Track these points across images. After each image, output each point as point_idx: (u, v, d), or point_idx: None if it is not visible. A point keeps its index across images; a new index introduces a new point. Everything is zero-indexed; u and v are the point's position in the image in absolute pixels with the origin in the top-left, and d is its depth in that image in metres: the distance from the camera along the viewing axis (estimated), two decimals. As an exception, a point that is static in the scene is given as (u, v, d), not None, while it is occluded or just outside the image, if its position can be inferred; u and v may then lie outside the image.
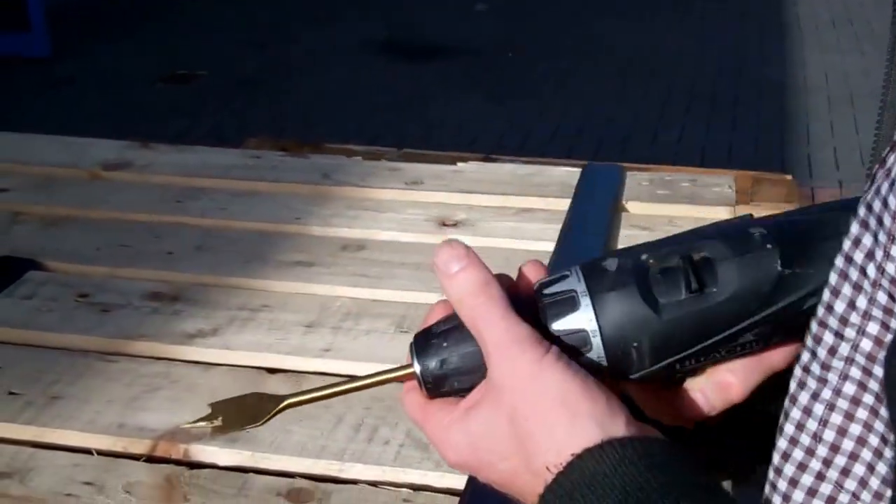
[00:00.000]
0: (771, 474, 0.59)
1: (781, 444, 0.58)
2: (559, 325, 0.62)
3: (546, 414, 0.59)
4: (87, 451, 1.08)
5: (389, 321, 1.28)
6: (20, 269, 1.41)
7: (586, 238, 1.45)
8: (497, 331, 0.61)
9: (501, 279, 0.65)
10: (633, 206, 1.58)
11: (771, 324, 0.62)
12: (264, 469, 1.05)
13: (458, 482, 1.01)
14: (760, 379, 0.66)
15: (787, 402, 0.59)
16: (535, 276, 0.67)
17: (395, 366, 0.68)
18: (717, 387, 0.66)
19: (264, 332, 1.26)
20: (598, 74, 6.01)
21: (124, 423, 1.11)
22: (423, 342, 0.66)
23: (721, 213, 1.54)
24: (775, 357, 0.65)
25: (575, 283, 0.63)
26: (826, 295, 0.56)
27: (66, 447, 1.09)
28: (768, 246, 0.62)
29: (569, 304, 0.62)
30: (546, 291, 0.64)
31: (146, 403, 1.14)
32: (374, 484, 1.03)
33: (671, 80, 5.86)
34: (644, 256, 0.63)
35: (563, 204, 1.57)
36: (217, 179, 1.69)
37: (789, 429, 0.58)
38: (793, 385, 0.58)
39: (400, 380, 0.67)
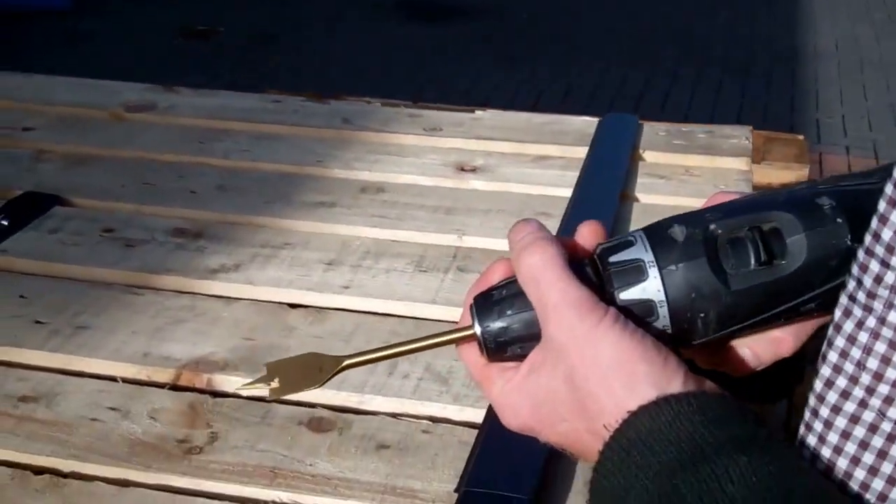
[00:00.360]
0: (812, 401, 0.59)
1: (825, 371, 0.58)
2: (626, 295, 0.61)
3: (604, 376, 0.58)
4: (113, 379, 1.08)
5: (408, 261, 1.28)
6: (46, 203, 1.41)
7: (604, 185, 1.44)
8: (554, 293, 0.61)
9: (561, 241, 0.64)
10: (649, 156, 1.57)
11: (834, 294, 0.60)
12: (285, 399, 1.05)
13: (477, 416, 1.01)
14: (811, 333, 0.65)
15: (830, 330, 0.58)
16: (593, 236, 0.66)
17: (454, 328, 0.67)
18: (769, 343, 0.65)
19: (286, 269, 1.26)
20: (612, 38, 5.97)
21: (149, 352, 1.11)
22: (485, 305, 0.65)
23: (738, 165, 1.53)
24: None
25: (641, 251, 0.62)
26: (874, 223, 0.55)
27: (92, 375, 1.09)
28: (838, 220, 0.61)
29: (636, 273, 0.61)
30: (612, 259, 0.63)
31: (170, 334, 1.14)
32: (393, 415, 1.03)
33: (683, 44, 5.82)
34: (712, 226, 0.62)
35: (580, 152, 1.56)
36: (239, 122, 1.69)
37: (833, 356, 0.57)
38: (837, 313, 0.58)
39: (460, 342, 0.67)
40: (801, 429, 0.59)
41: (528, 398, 0.63)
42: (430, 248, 1.31)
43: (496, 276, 0.66)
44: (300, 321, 1.17)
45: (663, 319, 0.61)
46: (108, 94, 1.79)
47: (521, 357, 0.64)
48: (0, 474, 0.95)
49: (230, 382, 1.07)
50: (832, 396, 0.57)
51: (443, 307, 1.18)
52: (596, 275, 0.63)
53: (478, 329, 0.64)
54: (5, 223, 1.34)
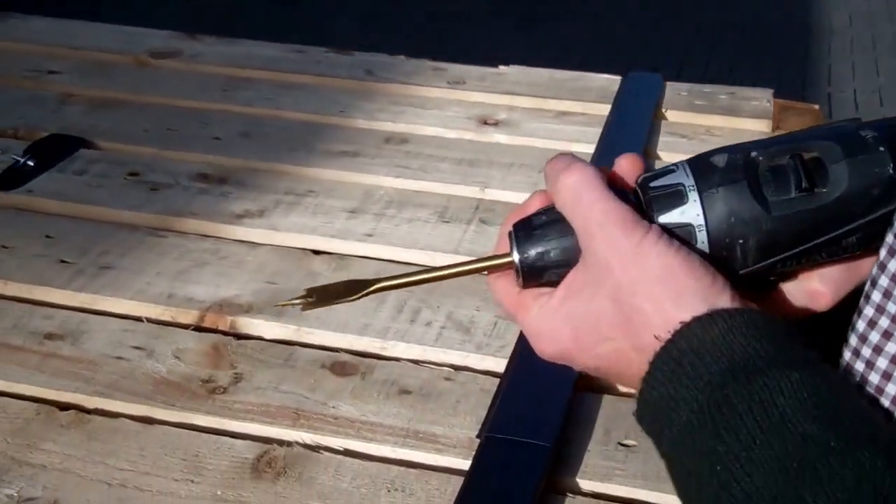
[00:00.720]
0: (853, 341, 0.57)
1: (868, 311, 0.57)
2: (665, 219, 0.60)
3: (652, 289, 0.57)
4: (137, 319, 1.07)
5: (431, 211, 1.27)
6: (72, 146, 1.39)
7: (626, 141, 1.43)
8: (596, 211, 0.59)
9: (601, 170, 0.63)
10: (671, 115, 1.56)
11: (876, 227, 0.59)
12: (309, 343, 1.05)
13: (498, 365, 1.00)
14: (850, 289, 0.64)
15: (874, 270, 0.57)
16: (632, 169, 0.65)
17: (490, 254, 0.66)
18: (807, 295, 0.64)
19: (309, 216, 1.25)
20: (628, 8, 5.93)
21: (173, 293, 1.10)
22: (524, 232, 0.64)
23: (759, 127, 1.51)
24: (866, 268, 0.62)
25: (682, 176, 0.61)
26: None
27: (117, 314, 1.08)
28: (881, 149, 0.60)
29: (676, 197, 0.60)
30: (652, 184, 0.61)
31: (194, 277, 1.13)
32: (415, 362, 1.02)
33: (699, 16, 5.78)
34: (754, 154, 0.61)
35: (602, 109, 1.54)
36: (262, 71, 1.67)
37: (876, 296, 0.56)
38: (882, 252, 0.57)
39: (496, 269, 0.66)
40: (842, 368, 0.58)
41: (569, 320, 0.61)
42: (453, 199, 1.30)
43: (534, 206, 0.65)
44: (323, 267, 1.16)
45: (702, 245, 0.60)
46: (133, 40, 1.77)
47: (555, 283, 0.63)
48: (26, 409, 0.94)
49: (254, 325, 1.06)
50: (874, 336, 0.56)
51: (465, 257, 1.16)
52: (637, 201, 0.62)
53: (516, 256, 0.63)
54: (31, 164, 1.33)
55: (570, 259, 0.62)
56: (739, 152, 0.61)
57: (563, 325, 0.61)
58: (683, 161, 0.63)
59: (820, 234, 0.60)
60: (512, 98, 1.59)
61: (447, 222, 1.24)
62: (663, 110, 1.56)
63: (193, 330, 1.06)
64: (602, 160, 1.35)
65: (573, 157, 0.64)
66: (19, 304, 1.09)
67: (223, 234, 1.22)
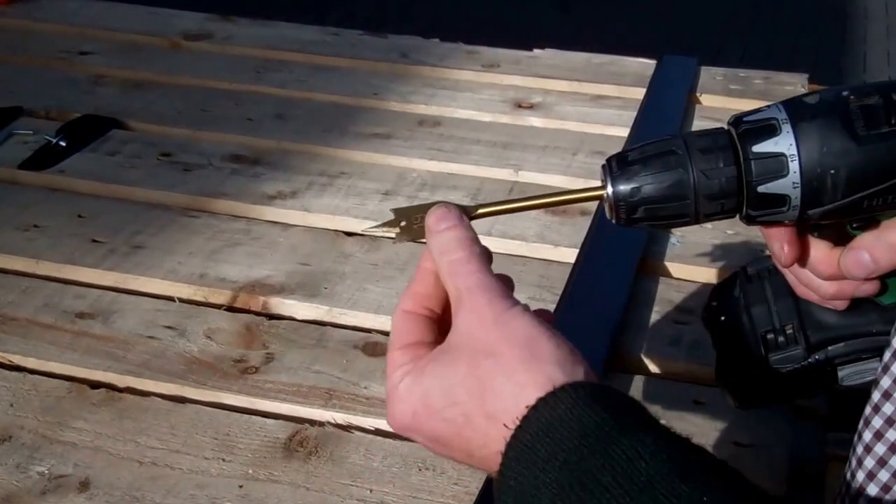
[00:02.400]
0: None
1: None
2: (759, 148, 0.61)
3: (508, 355, 0.55)
4: (169, 299, 1.07)
5: (464, 193, 1.26)
6: (104, 126, 1.39)
7: (661, 125, 1.41)
8: (471, 280, 0.59)
9: (500, 277, 0.62)
10: (706, 99, 1.54)
11: None
12: (341, 324, 1.04)
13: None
14: None
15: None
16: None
17: (587, 186, 0.66)
18: (886, 246, 0.65)
19: (342, 197, 1.24)
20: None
21: (205, 273, 1.10)
22: (618, 165, 0.64)
23: (796, 110, 1.49)
24: None
25: (776, 112, 0.62)
26: None
27: (148, 294, 1.08)
28: None
29: (769, 129, 0.62)
30: (746, 119, 0.63)
31: (227, 257, 1.13)
32: (448, 343, 1.01)
33: (735, 3, 5.74)
34: (845, 93, 0.62)
35: (637, 93, 1.53)
36: (296, 53, 1.66)
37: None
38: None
39: (590, 199, 0.66)
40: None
41: (423, 381, 0.59)
42: (487, 181, 1.29)
43: (422, 284, 0.64)
44: (356, 249, 1.15)
45: (794, 175, 0.61)
46: (166, 21, 1.77)
47: (653, 222, 0.64)
48: (57, 387, 0.94)
49: (286, 305, 1.06)
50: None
51: (498, 239, 1.16)
52: (729, 136, 0.63)
53: (609, 189, 0.63)
54: (63, 144, 1.33)
55: (665, 195, 0.63)
56: (831, 93, 0.63)
57: (415, 385, 0.59)
58: (775, 102, 0.64)
59: None
60: (546, 81, 1.58)
61: (481, 204, 1.23)
62: (698, 94, 1.55)
63: (225, 310, 1.05)
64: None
65: (456, 216, 0.63)
66: (51, 282, 1.09)
67: (255, 214, 1.22)
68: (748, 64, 1.76)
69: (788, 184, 0.61)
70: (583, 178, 1.29)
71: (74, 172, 1.29)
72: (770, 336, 0.77)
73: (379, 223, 0.66)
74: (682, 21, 5.39)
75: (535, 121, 1.46)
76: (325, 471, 0.85)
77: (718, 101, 1.54)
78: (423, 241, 0.64)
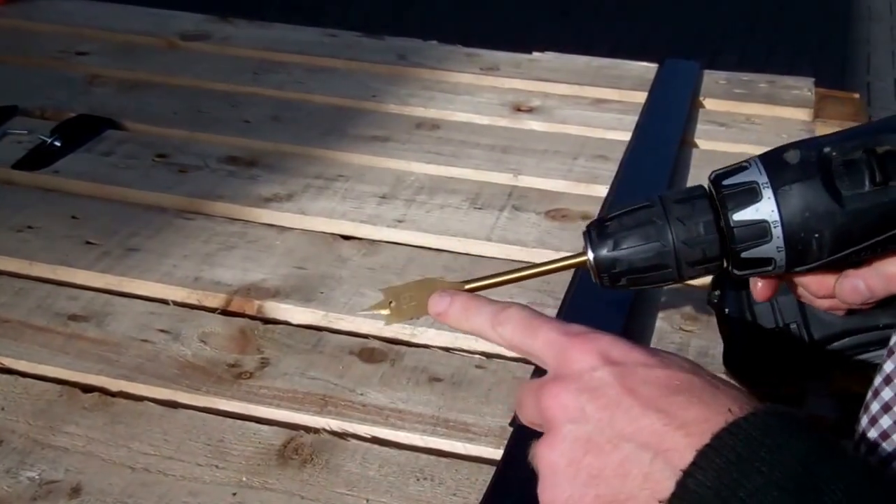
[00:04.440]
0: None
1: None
2: (739, 216, 0.61)
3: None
4: (163, 302, 1.06)
5: (463, 197, 1.25)
6: (100, 126, 1.39)
7: (664, 129, 1.41)
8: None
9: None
10: (709, 103, 1.54)
11: None
12: (338, 329, 1.03)
13: (531, 353, 0.99)
14: None
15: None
16: None
17: (569, 254, 0.68)
18: (881, 276, 0.65)
19: (339, 200, 1.24)
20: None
21: (200, 276, 1.09)
22: (598, 231, 0.65)
23: (799, 116, 1.49)
24: None
25: (756, 174, 0.62)
26: None
27: (142, 296, 1.07)
28: None
29: (750, 194, 0.61)
30: (725, 182, 0.62)
31: (222, 260, 1.12)
32: (446, 349, 1.00)
33: (735, 4, 5.74)
34: (826, 149, 0.61)
35: (639, 97, 1.53)
36: (294, 55, 1.66)
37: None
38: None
39: (573, 266, 0.67)
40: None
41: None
42: (486, 185, 1.28)
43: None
44: (353, 253, 1.14)
45: (777, 240, 0.61)
46: (163, 22, 1.77)
47: (633, 287, 0.65)
48: (49, 391, 0.93)
49: (281, 310, 1.05)
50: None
51: (498, 244, 1.16)
52: (710, 197, 0.63)
53: (590, 255, 0.65)
54: (58, 144, 1.32)
55: (646, 266, 0.63)
56: (812, 148, 0.62)
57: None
58: (755, 157, 0.63)
59: (894, 225, 0.60)
60: (546, 85, 1.57)
61: (479, 209, 1.23)
62: (701, 98, 1.54)
63: (220, 314, 1.05)
64: (639, 148, 1.33)
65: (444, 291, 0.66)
66: (44, 284, 1.08)
67: (251, 217, 1.21)
68: (747, 66, 1.76)
69: (773, 248, 0.61)
70: (584, 182, 1.28)
71: (69, 173, 1.28)
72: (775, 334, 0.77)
73: (369, 306, 0.68)
74: (680, 23, 5.39)
75: (535, 124, 1.45)
76: (320, 479, 0.84)
77: (722, 104, 1.54)
78: (413, 320, 0.68)
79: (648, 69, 1.63)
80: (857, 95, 1.69)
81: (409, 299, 0.67)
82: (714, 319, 0.94)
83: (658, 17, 5.45)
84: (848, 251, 0.61)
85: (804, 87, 1.58)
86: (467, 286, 0.67)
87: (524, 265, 0.68)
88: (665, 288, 1.07)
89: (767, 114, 1.50)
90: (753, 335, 0.79)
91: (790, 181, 0.60)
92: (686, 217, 0.62)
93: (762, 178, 0.61)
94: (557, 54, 1.69)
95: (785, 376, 0.81)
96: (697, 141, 1.42)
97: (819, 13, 5.60)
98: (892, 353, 0.60)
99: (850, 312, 0.73)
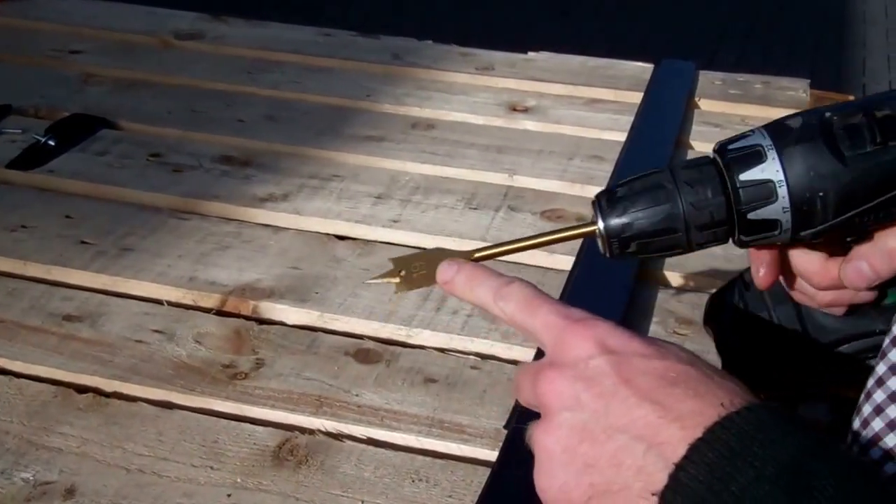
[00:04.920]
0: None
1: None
2: (745, 176, 0.62)
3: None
4: (158, 302, 1.06)
5: (458, 197, 1.25)
6: (94, 126, 1.39)
7: (659, 130, 1.41)
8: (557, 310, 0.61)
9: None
10: (704, 104, 1.54)
11: None
12: (332, 330, 1.03)
13: (526, 354, 0.99)
14: None
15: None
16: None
17: (579, 223, 0.69)
18: (883, 254, 0.65)
19: (334, 200, 1.24)
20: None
21: (195, 276, 1.09)
22: (608, 200, 0.66)
23: (794, 116, 1.49)
24: None
25: (760, 138, 0.63)
26: None
27: (137, 296, 1.07)
28: None
29: (755, 156, 0.62)
30: (731, 147, 0.64)
31: (217, 260, 1.12)
32: (441, 350, 1.00)
33: (732, 6, 5.74)
34: (828, 114, 0.63)
35: (634, 97, 1.53)
36: (288, 54, 1.66)
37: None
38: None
39: (582, 236, 0.68)
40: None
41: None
42: (481, 185, 1.29)
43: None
44: (347, 253, 1.14)
45: (783, 200, 0.62)
46: (158, 21, 1.76)
47: (645, 253, 0.66)
48: (43, 392, 0.93)
49: (277, 310, 1.05)
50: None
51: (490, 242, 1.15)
52: (715, 164, 0.64)
53: (600, 224, 0.65)
54: (52, 143, 1.32)
55: (656, 230, 0.64)
56: (813, 115, 0.64)
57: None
58: (758, 126, 0.65)
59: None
60: (541, 85, 1.58)
61: (475, 209, 1.23)
62: (696, 99, 1.55)
63: (215, 314, 1.05)
64: (634, 149, 1.34)
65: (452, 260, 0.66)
66: (38, 284, 1.08)
67: (246, 217, 1.21)
68: (743, 69, 1.76)
69: (778, 209, 0.62)
70: (579, 182, 1.29)
71: (63, 172, 1.28)
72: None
73: (378, 274, 0.69)
74: (676, 25, 5.40)
75: (530, 124, 1.46)
76: (315, 480, 0.84)
77: (718, 105, 1.54)
78: (423, 288, 0.67)
79: (644, 69, 1.63)
80: (851, 97, 1.69)
81: (418, 268, 0.67)
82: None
83: (657, 18, 5.45)
84: (852, 212, 0.62)
85: (799, 88, 1.58)
86: (476, 255, 0.67)
87: (533, 235, 0.68)
88: (660, 296, 1.08)
89: (762, 115, 1.50)
90: (751, 344, 0.80)
91: (793, 142, 0.62)
92: (694, 181, 0.64)
93: (766, 142, 0.63)
94: (553, 54, 1.69)
95: (783, 385, 0.81)
96: (693, 142, 1.42)
97: (815, 16, 5.61)
98: (884, 355, 0.60)
99: (850, 312, 0.73)
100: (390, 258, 0.68)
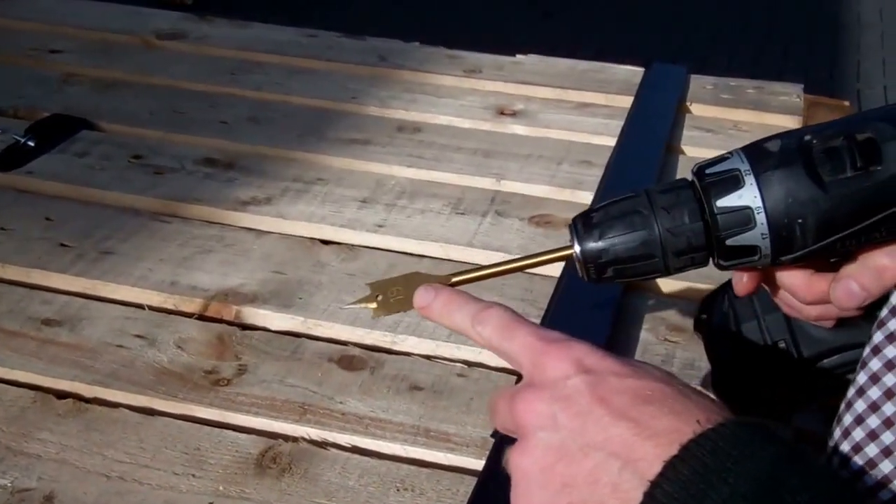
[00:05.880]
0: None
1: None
2: (723, 202, 0.62)
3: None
4: (139, 306, 1.07)
5: (445, 202, 1.26)
6: (74, 126, 1.39)
7: (649, 135, 1.42)
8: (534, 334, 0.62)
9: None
10: (696, 109, 1.55)
11: None
12: (317, 336, 1.04)
13: (513, 362, 0.99)
14: None
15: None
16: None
17: (556, 247, 0.69)
18: (872, 272, 0.65)
19: (318, 204, 1.24)
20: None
21: (176, 281, 1.10)
22: (584, 224, 0.66)
23: (787, 123, 1.50)
24: None
25: (738, 162, 0.63)
26: None
27: (118, 301, 1.08)
28: None
29: (732, 182, 0.62)
30: (708, 171, 0.64)
31: (199, 264, 1.13)
32: (427, 357, 1.01)
33: (724, 8, 5.76)
34: (807, 138, 0.63)
35: (624, 101, 1.54)
36: (272, 55, 1.67)
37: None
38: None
39: (559, 259, 0.68)
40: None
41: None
42: (468, 190, 1.29)
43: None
44: (332, 258, 1.15)
45: (761, 226, 0.62)
46: (140, 20, 1.77)
47: (619, 279, 0.66)
48: (22, 397, 0.93)
49: (260, 315, 1.06)
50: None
51: (480, 250, 1.16)
52: (693, 188, 0.64)
53: (576, 247, 0.66)
54: (31, 144, 1.33)
55: (632, 256, 0.65)
56: (793, 137, 0.63)
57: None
58: (737, 149, 0.64)
59: (877, 210, 0.61)
60: (530, 88, 1.59)
61: (461, 214, 1.23)
62: (688, 103, 1.56)
63: (197, 319, 1.05)
64: (624, 154, 1.34)
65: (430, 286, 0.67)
66: (17, 287, 1.09)
67: (229, 220, 1.22)
68: (735, 73, 1.77)
69: (757, 235, 0.62)
70: (568, 188, 1.29)
71: (43, 174, 1.28)
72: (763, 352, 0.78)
73: (355, 300, 0.70)
74: (667, 28, 5.41)
75: (518, 128, 1.46)
76: (298, 489, 0.84)
77: (709, 110, 1.55)
78: (400, 313, 0.68)
79: (635, 73, 1.64)
80: (847, 103, 1.71)
81: (395, 293, 0.69)
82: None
83: (642, 22, 5.47)
84: (832, 238, 0.62)
85: (793, 93, 1.60)
86: (454, 279, 0.68)
87: (510, 258, 0.69)
88: (650, 303, 1.09)
89: (755, 120, 1.51)
90: (741, 355, 0.80)
91: (772, 167, 0.62)
92: (671, 206, 0.64)
93: (744, 166, 0.62)
94: (541, 57, 1.70)
95: (775, 397, 0.82)
96: (683, 147, 1.43)
97: (809, 19, 5.63)
98: (865, 364, 0.61)
99: (839, 324, 0.73)
100: (367, 283, 0.69)
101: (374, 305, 0.69)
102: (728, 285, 0.83)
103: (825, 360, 0.76)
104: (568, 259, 0.67)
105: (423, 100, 1.54)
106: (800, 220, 0.61)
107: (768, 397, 0.81)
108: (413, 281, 0.68)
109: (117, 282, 1.09)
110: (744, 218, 0.62)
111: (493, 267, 0.69)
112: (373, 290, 0.69)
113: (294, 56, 1.66)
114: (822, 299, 0.68)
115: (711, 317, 0.84)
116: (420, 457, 0.89)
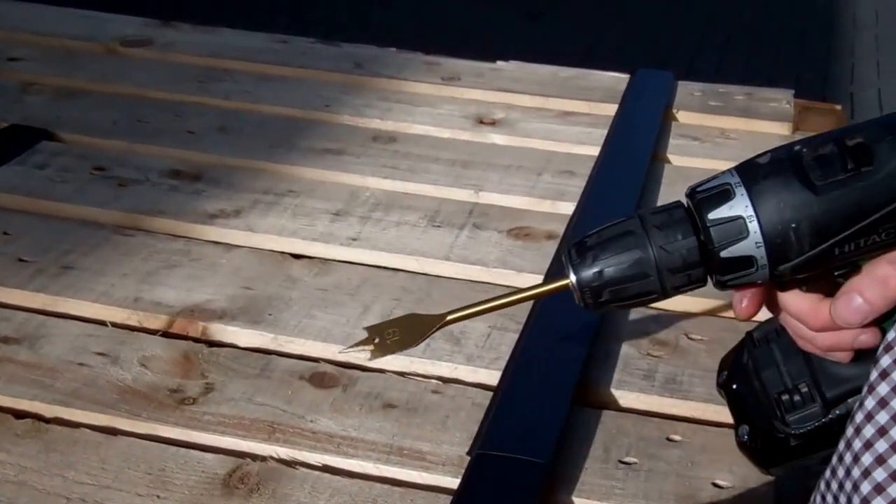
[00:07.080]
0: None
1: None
2: (714, 215, 0.65)
3: None
4: (101, 323, 1.08)
5: (421, 214, 1.27)
6: (33, 137, 1.40)
7: (634, 144, 1.44)
8: None
9: None
10: (683, 116, 1.57)
11: None
12: (287, 353, 1.05)
13: (491, 378, 1.01)
14: None
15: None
16: None
17: (552, 279, 0.71)
18: (875, 282, 0.66)
19: (289, 217, 1.26)
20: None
21: (140, 297, 1.11)
22: (578, 252, 0.69)
23: (778, 130, 1.52)
24: None
25: (728, 177, 0.66)
26: None
27: (79, 317, 1.09)
28: None
29: (723, 195, 0.65)
30: (699, 189, 0.67)
31: (163, 279, 1.14)
32: (401, 374, 1.02)
33: (713, 7, 5.79)
34: (797, 147, 0.65)
35: (608, 109, 1.55)
36: (241, 62, 1.68)
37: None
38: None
39: (555, 291, 0.70)
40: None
41: None
42: (445, 202, 1.31)
43: None
44: (304, 272, 1.16)
45: (755, 235, 0.64)
46: (103, 26, 1.78)
47: (617, 303, 0.69)
48: (-22, 417, 0.94)
49: (227, 332, 1.07)
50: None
51: (457, 264, 1.18)
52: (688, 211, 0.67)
53: (571, 276, 0.68)
54: (-12, 156, 1.34)
55: (627, 276, 0.67)
56: (783, 149, 0.66)
57: None
58: (729, 168, 0.67)
59: (872, 211, 0.63)
60: (510, 96, 1.60)
61: (438, 227, 1.25)
62: (674, 111, 1.57)
63: (161, 336, 1.06)
64: (608, 164, 1.36)
65: None
66: (-26, 304, 1.10)
67: (195, 234, 1.23)
68: (724, 78, 1.79)
69: (751, 244, 0.64)
70: (549, 199, 1.31)
71: (0, 187, 1.29)
72: (785, 397, 0.78)
73: (352, 344, 0.73)
74: (654, 31, 5.43)
75: (498, 138, 1.48)
76: (267, 509, 0.85)
77: (696, 118, 1.56)
78: (400, 351, 0.72)
79: (619, 80, 1.66)
80: (839, 107, 1.72)
81: (392, 335, 0.72)
82: (682, 344, 0.97)
83: (628, 26, 5.49)
84: (829, 243, 0.64)
85: (783, 99, 1.61)
86: (449, 317, 0.71)
87: (506, 293, 0.72)
88: (632, 317, 1.10)
89: (744, 128, 1.53)
90: (762, 414, 0.80)
91: (762, 177, 0.64)
92: (663, 224, 0.67)
93: (734, 179, 0.65)
94: (522, 63, 1.72)
95: (801, 453, 0.82)
96: (670, 156, 1.44)
97: (801, 21, 5.66)
98: (873, 389, 0.62)
99: (857, 357, 0.74)
100: (364, 327, 0.73)
101: (370, 348, 0.72)
102: (747, 338, 0.84)
103: (849, 400, 0.77)
104: (564, 289, 0.69)
105: (400, 108, 1.55)
106: (793, 226, 0.63)
107: (795, 448, 0.81)
108: (409, 322, 0.72)
109: (78, 297, 1.10)
110: (736, 228, 0.64)
111: (489, 302, 0.72)
112: (370, 334, 0.72)
113: (264, 63, 1.68)
114: (831, 325, 0.69)
115: (732, 372, 0.85)
116: (393, 475, 0.90)
